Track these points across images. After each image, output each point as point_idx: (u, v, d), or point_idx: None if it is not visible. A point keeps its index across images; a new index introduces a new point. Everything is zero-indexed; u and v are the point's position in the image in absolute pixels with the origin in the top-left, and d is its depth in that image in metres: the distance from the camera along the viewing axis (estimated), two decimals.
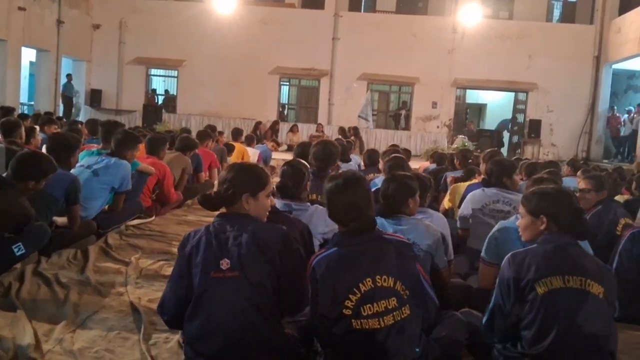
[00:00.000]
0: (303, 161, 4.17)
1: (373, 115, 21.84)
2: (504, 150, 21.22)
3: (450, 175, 6.86)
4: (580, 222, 2.91)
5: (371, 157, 7.38)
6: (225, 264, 2.68)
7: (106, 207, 5.71)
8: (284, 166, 3.98)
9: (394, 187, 3.57)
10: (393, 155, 5.34)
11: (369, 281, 2.64)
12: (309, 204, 3.95)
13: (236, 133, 11.36)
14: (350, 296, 2.63)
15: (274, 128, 20.45)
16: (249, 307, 2.69)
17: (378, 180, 5.41)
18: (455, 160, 7.75)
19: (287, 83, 23.44)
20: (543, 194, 3.01)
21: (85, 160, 5.53)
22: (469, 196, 4.76)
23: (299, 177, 3.89)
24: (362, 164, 8.15)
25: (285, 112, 23.63)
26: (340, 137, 16.60)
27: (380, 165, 5.79)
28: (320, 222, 3.82)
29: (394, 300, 2.65)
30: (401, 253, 2.74)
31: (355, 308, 2.63)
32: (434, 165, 8.72)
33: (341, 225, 2.81)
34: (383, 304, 2.64)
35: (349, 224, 2.74)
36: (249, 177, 2.88)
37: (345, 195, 2.76)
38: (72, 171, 5.25)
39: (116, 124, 6.55)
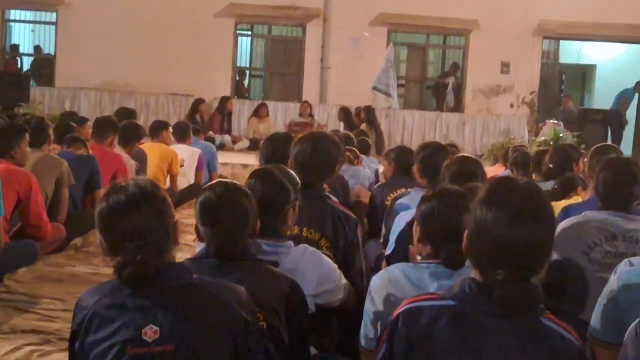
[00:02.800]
0: (285, 169, 3.35)
1: (399, 86, 17.42)
2: (628, 145, 16.44)
3: None
4: None
5: (401, 159, 5.93)
6: (151, 333, 2.25)
7: None
8: (251, 179, 3.18)
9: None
10: (459, 156, 4.26)
11: None
12: (290, 243, 3.14)
13: (156, 128, 8.63)
14: None
15: (224, 110, 15.65)
16: None
17: (410, 200, 4.37)
18: (546, 161, 6.12)
19: (249, 32, 18.80)
20: None
21: None
22: (564, 229, 3.69)
23: (275, 198, 3.10)
24: (382, 170, 7.01)
25: (246, 82, 18.89)
26: (341, 127, 14.44)
27: (415, 172, 4.70)
28: (310, 275, 3.07)
29: None
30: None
31: None
32: (507, 173, 7.04)
33: (482, 271, 2.08)
34: None
35: (497, 279, 2.01)
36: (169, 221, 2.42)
37: (515, 229, 2.02)
38: None
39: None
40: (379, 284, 2.72)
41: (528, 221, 2.00)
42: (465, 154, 4.46)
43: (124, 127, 7.50)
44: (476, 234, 2.06)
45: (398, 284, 2.66)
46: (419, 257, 2.81)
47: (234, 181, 2.83)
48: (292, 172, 3.28)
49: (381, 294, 2.67)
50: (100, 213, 2.31)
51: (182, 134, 9.22)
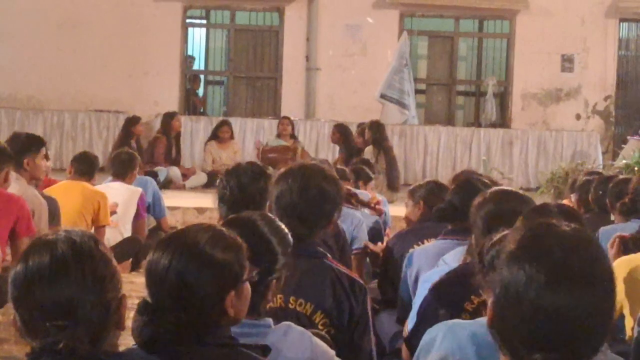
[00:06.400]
0: (274, 220, 2.98)
1: (418, 92, 16.07)
2: None
3: (615, 236, 5.09)
4: None
5: (434, 199, 5.43)
6: None
7: None
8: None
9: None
10: (496, 190, 3.69)
11: None
12: (269, 321, 2.78)
13: (84, 162, 8.23)
14: None
15: (170, 132, 13.90)
16: None
17: (448, 259, 4.05)
18: (629, 194, 5.78)
19: (203, 21, 17.10)
20: None
21: None
22: None
23: (256, 263, 2.67)
24: (406, 213, 6.36)
25: (201, 91, 17.40)
26: (336, 151, 14.06)
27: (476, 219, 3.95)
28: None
29: None
30: None
31: None
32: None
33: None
34: None
35: None
36: None
37: (556, 294, 1.75)
38: None
39: None
40: (430, 341, 2.56)
41: (574, 282, 1.77)
42: (505, 187, 4.17)
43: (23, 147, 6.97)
44: (503, 302, 1.83)
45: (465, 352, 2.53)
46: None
47: (210, 225, 2.46)
48: (282, 225, 2.94)
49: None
50: (15, 279, 2.06)
51: (123, 169, 8.36)
